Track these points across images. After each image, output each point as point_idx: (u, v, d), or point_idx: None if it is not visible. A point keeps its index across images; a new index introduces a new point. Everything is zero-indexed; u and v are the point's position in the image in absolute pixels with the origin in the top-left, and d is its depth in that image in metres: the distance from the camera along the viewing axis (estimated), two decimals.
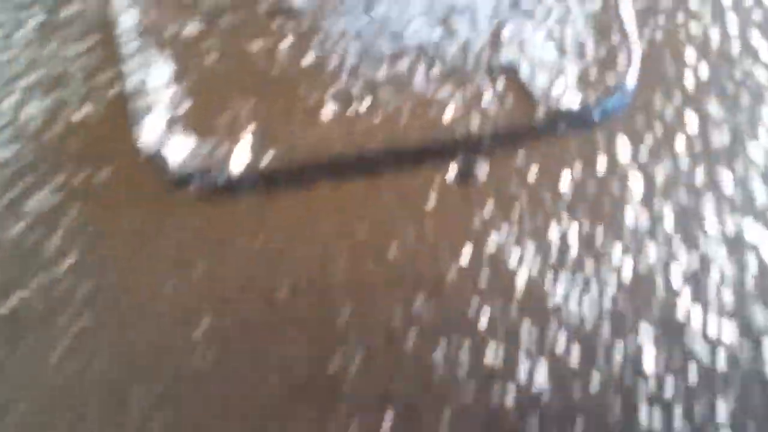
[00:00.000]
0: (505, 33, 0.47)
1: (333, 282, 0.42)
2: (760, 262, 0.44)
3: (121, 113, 0.44)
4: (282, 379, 0.40)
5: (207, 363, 0.40)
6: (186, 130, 0.44)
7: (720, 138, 0.47)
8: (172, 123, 0.44)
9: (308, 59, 0.46)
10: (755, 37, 0.50)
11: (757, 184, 0.46)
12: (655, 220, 0.44)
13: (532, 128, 0.45)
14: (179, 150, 0.43)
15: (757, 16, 0.51)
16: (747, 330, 0.42)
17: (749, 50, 0.49)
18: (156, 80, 0.45)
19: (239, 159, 0.43)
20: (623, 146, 0.46)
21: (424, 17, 0.47)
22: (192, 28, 0.46)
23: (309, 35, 0.46)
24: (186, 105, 0.44)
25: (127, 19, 0.46)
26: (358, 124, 0.44)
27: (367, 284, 0.42)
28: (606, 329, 0.42)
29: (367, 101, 0.45)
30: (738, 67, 0.49)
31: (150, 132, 0.44)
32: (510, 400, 0.39)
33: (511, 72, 0.46)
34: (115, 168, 0.44)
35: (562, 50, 0.46)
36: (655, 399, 0.40)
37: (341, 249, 0.43)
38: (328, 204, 0.44)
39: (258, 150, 0.44)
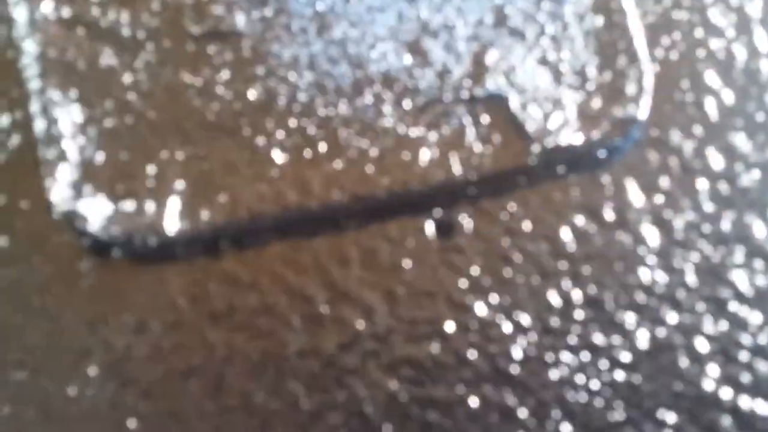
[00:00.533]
0: (490, 57, 0.40)
1: (289, 364, 0.37)
2: None
3: (31, 163, 0.38)
4: None
5: None
6: (105, 185, 0.37)
7: (749, 178, 0.41)
8: (87, 177, 0.37)
9: (252, 94, 0.39)
10: None
11: None
12: (675, 278, 0.39)
13: (524, 171, 0.39)
14: (99, 208, 0.37)
15: None
16: None
17: None
18: (65, 125, 0.37)
19: (171, 218, 0.37)
20: (634, 190, 0.40)
21: (390, 40, 0.40)
22: (108, 60, 0.39)
23: (252, 64, 0.39)
24: (103, 155, 0.37)
25: (30, 49, 0.38)
26: (314, 172, 0.38)
27: (329, 365, 0.37)
28: (619, 412, 0.37)
29: (324, 144, 0.38)
30: None
31: (63, 187, 0.37)
32: None
33: (497, 104, 0.39)
34: (20, 229, 0.38)
35: (558, 76, 0.40)
36: None
37: (297, 322, 0.37)
38: (281, 268, 0.38)
39: (194, 207, 0.37)
